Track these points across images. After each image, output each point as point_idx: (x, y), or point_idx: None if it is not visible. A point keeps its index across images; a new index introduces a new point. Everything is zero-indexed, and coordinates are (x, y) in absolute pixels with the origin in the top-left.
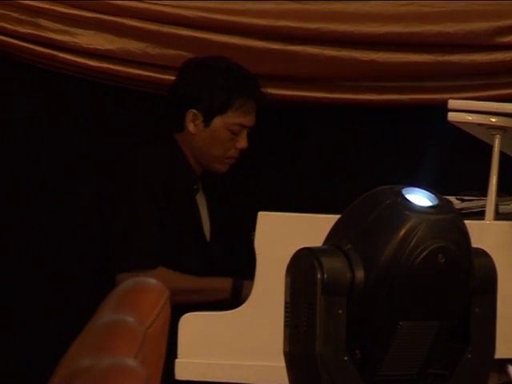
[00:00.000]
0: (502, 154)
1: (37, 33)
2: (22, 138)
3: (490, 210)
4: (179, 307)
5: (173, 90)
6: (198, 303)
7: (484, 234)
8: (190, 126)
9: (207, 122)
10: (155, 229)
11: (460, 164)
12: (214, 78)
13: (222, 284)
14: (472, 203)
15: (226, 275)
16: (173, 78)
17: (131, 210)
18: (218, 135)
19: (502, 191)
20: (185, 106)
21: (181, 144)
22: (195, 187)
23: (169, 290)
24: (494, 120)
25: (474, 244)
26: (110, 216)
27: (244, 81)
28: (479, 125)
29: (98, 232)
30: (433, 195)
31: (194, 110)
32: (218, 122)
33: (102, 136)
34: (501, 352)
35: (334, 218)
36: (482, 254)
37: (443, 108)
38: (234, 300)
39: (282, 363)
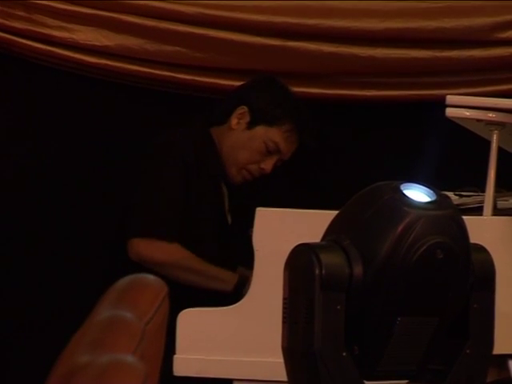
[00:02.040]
0: (500, 150)
1: (34, 29)
2: (20, 134)
3: (488, 206)
4: (177, 304)
5: (238, 87)
6: (200, 287)
7: (482, 229)
8: (234, 121)
9: (251, 125)
10: (180, 204)
11: (458, 159)
12: (279, 92)
13: (227, 276)
14: (470, 199)
15: (236, 263)
16: (171, 73)
17: (160, 179)
18: (253, 142)
19: (500, 187)
20: (240, 101)
21: (216, 138)
22: (219, 177)
23: (175, 263)
24: (492, 115)
25: (473, 239)
26: (138, 184)
27: (304, 116)
28: (477, 120)
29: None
30: (431, 191)
31: (245, 108)
32: (260, 130)
33: (99, 132)
34: (499, 347)
35: (332, 213)
36: (481, 249)
37: (441, 103)
38: (234, 294)
39: (281, 359)
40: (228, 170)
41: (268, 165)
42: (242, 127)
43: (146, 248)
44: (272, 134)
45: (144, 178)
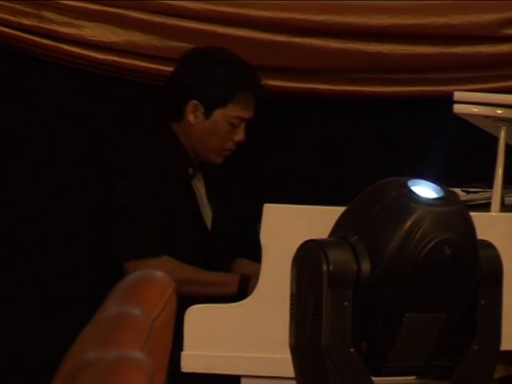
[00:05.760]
0: (508, 146)
1: (41, 25)
2: (26, 130)
3: (495, 202)
4: (185, 300)
5: (174, 80)
6: (202, 296)
7: (490, 225)
8: (190, 117)
9: (208, 113)
10: (157, 216)
11: (466, 156)
12: (217, 70)
13: (228, 279)
14: (478, 195)
15: (227, 265)
16: None
17: (131, 197)
18: (218, 127)
19: (507, 183)
20: (186, 97)
21: (178, 133)
22: (190, 172)
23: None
24: (499, 112)
25: (480, 236)
26: (111, 205)
27: (246, 75)
28: (485, 117)
29: (99, 223)
30: (438, 187)
31: (195, 101)
32: (218, 114)
33: (106, 128)
34: (507, 344)
35: (339, 209)
36: (488, 245)
37: (449, 100)
38: (240, 295)
39: (288, 355)
40: (208, 157)
41: (241, 135)
42: (200, 119)
43: (134, 271)
44: (231, 112)
45: (115, 200)
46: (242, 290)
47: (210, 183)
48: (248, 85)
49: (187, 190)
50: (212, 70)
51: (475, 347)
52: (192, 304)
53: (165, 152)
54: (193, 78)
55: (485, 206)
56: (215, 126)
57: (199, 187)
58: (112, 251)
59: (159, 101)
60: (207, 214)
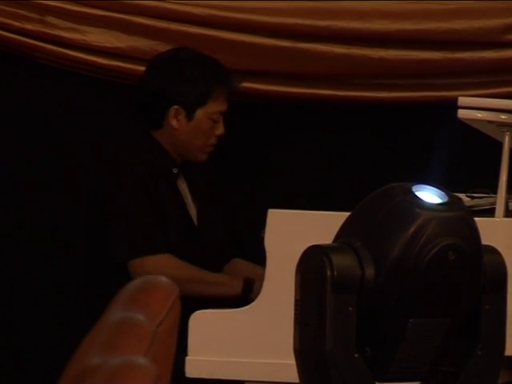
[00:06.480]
0: None
1: (46, 30)
2: (28, 135)
3: (500, 207)
4: (189, 305)
5: (148, 89)
6: (206, 297)
7: (494, 231)
8: (173, 122)
9: (190, 115)
10: (151, 214)
11: (470, 161)
12: (188, 70)
13: (232, 280)
14: (482, 200)
15: (216, 264)
16: None
17: (125, 197)
18: (202, 126)
19: None
20: (165, 104)
21: (159, 139)
22: (174, 171)
23: (177, 278)
24: (503, 117)
25: (484, 241)
26: (106, 207)
27: (216, 68)
28: (489, 122)
29: (95, 225)
30: (443, 192)
31: (176, 106)
32: (200, 113)
33: (109, 133)
34: (511, 349)
35: (344, 215)
36: (492, 251)
37: (453, 105)
38: (244, 298)
39: (293, 361)
40: (193, 157)
41: (221, 129)
42: (183, 123)
43: (141, 267)
44: (211, 108)
45: (109, 200)
46: (246, 293)
47: (192, 184)
48: (221, 78)
49: (173, 189)
50: (184, 72)
51: (479, 352)
52: (197, 308)
53: (149, 155)
54: (168, 84)
55: (489, 212)
56: (199, 126)
57: (183, 188)
58: (107, 252)
59: (135, 110)
60: (193, 214)
